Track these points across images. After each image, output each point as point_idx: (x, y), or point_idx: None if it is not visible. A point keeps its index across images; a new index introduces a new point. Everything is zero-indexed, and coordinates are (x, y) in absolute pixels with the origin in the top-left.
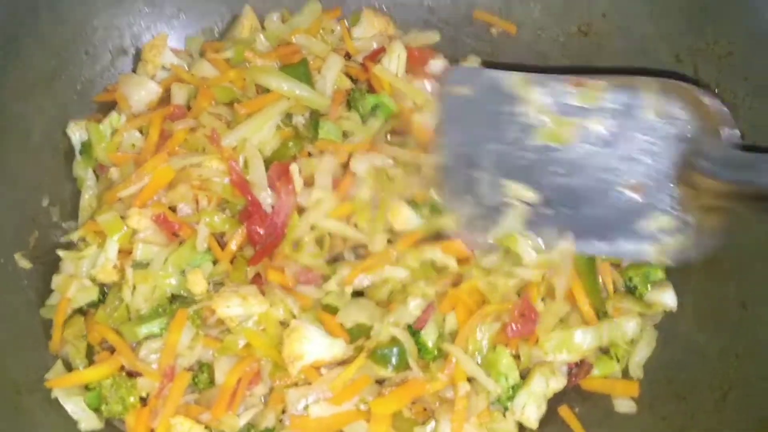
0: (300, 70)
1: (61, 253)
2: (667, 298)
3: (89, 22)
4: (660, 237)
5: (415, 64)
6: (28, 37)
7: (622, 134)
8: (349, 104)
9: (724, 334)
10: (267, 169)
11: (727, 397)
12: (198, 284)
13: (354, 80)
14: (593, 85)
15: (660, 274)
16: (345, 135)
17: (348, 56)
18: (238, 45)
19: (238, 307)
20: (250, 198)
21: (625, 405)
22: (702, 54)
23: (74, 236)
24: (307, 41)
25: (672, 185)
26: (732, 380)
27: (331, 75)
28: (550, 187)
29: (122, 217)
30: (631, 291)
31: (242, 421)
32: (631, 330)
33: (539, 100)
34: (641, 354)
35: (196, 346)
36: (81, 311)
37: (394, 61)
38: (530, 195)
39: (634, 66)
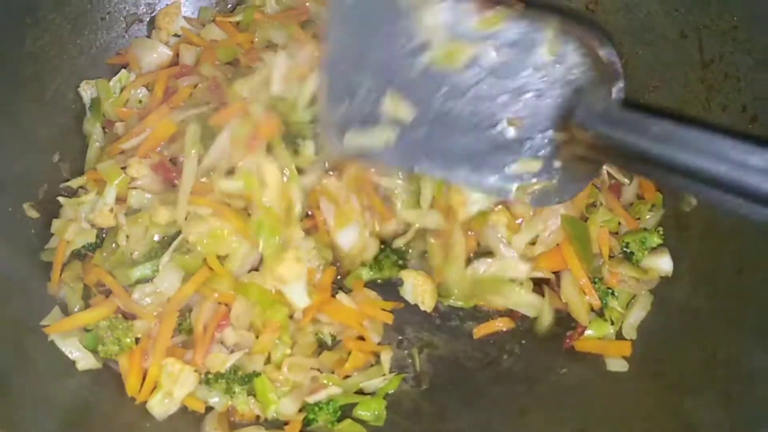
0: None
1: (61, 199)
2: (663, 264)
3: None
4: (525, 178)
5: None
6: (45, 1)
7: (512, 66)
8: None
9: (718, 299)
10: None
11: (717, 355)
12: None
13: None
14: (495, 11)
15: (657, 240)
16: None
17: None
18: (248, 8)
19: None
20: None
21: (617, 364)
22: (707, 29)
23: (74, 183)
24: (317, 8)
25: (549, 128)
26: (721, 339)
27: None
28: (426, 107)
29: (123, 168)
30: (627, 257)
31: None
32: None
33: (435, 16)
34: (635, 317)
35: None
36: (79, 256)
37: None
38: (405, 111)
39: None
